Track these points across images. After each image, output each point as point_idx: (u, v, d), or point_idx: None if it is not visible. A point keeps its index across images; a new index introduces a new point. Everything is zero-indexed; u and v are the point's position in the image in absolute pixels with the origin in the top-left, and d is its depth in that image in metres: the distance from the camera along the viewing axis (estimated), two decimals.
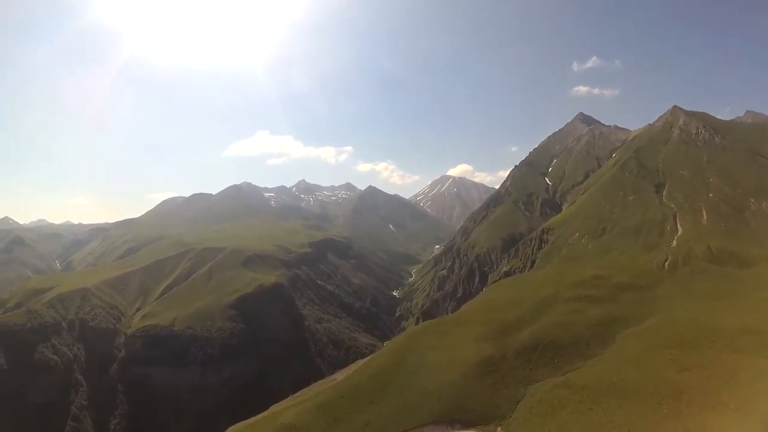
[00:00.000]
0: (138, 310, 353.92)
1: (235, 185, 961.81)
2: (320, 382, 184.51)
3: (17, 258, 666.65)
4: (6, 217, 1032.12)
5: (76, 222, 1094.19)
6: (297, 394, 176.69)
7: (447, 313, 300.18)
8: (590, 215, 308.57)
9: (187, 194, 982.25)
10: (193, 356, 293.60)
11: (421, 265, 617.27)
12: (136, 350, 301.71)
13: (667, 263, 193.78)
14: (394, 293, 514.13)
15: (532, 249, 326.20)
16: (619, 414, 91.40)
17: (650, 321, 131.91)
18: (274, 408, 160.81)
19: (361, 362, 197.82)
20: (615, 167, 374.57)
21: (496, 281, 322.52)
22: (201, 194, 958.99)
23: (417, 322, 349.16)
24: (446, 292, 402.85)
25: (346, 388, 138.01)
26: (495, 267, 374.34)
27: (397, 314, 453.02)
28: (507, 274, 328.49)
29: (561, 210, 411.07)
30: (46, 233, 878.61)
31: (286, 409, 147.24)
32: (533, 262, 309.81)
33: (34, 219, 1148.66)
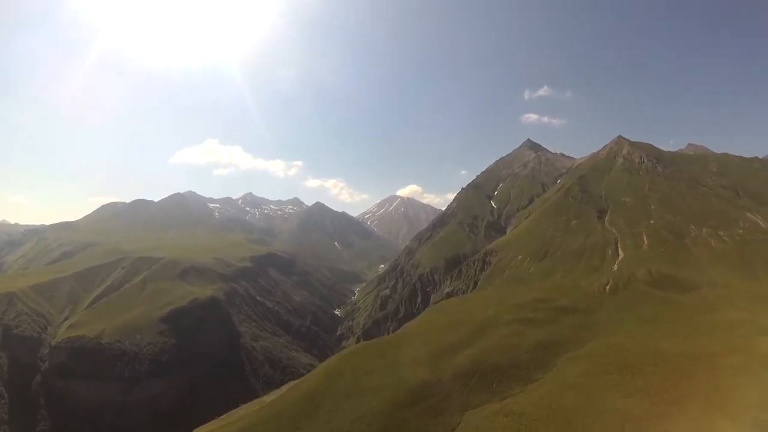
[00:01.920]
0: (66, 319, 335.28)
1: (178, 193, 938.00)
2: (249, 404, 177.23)
3: None
4: None
5: (12, 222, 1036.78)
6: (222, 416, 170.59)
7: (388, 333, 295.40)
8: (534, 238, 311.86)
9: (129, 200, 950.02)
10: (119, 372, 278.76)
11: (365, 284, 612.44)
12: (61, 362, 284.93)
13: (608, 287, 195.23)
14: (336, 312, 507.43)
15: (475, 270, 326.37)
16: None
17: (591, 344, 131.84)
18: (197, 430, 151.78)
19: (291, 384, 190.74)
20: (559, 193, 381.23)
21: (437, 302, 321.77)
22: (143, 200, 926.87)
23: (357, 342, 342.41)
24: (388, 312, 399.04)
25: (271, 412, 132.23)
26: (438, 287, 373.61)
27: (338, 333, 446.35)
28: (449, 295, 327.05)
29: (505, 233, 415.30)
30: None
31: None
32: (476, 284, 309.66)
33: None
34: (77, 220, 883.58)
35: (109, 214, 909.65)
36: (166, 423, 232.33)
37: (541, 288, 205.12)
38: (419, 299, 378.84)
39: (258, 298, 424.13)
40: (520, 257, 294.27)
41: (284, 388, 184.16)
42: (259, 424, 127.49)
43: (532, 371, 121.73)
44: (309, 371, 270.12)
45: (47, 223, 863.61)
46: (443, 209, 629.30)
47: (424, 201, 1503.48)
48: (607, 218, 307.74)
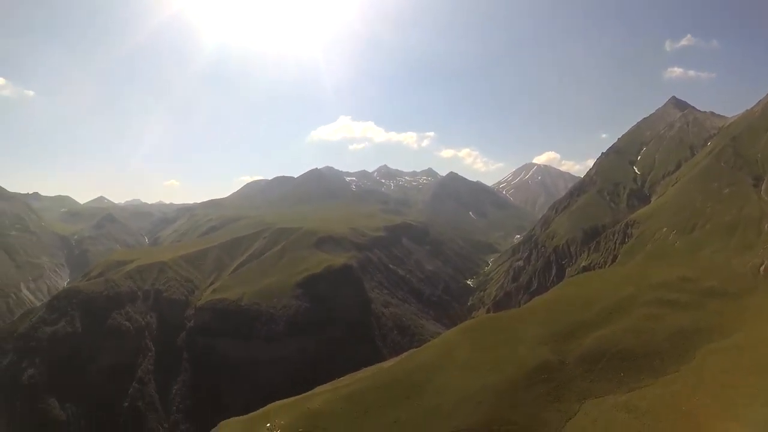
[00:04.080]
0: (211, 284, 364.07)
1: (316, 169, 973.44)
2: (369, 368, 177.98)
3: (108, 234, 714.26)
4: (101, 196, 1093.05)
5: (167, 202, 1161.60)
6: (341, 378, 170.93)
7: (519, 306, 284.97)
8: (680, 209, 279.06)
9: (271, 177, 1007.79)
10: (257, 331, 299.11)
11: (499, 255, 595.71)
12: (204, 322, 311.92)
13: (763, 267, 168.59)
14: (469, 282, 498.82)
15: (615, 243, 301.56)
16: None
17: (739, 336, 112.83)
18: (317, 390, 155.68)
19: (410, 352, 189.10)
20: (709, 156, 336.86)
21: (572, 276, 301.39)
22: (283, 177, 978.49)
23: (488, 313, 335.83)
24: (520, 284, 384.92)
25: (384, 380, 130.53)
26: (573, 260, 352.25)
27: (469, 303, 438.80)
28: (585, 269, 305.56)
29: (649, 202, 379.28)
30: (138, 212, 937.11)
31: (323, 393, 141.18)
32: (615, 258, 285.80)
33: (129, 199, 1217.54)
34: (224, 198, 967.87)
35: (252, 191, 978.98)
36: (298, 380, 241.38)
37: (686, 265, 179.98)
38: (553, 272, 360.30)
39: (390, 266, 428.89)
40: (664, 230, 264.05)
41: (403, 356, 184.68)
42: (371, 389, 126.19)
43: (667, 362, 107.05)
44: None
45: (198, 201, 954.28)
46: (582, 177, 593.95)
47: (562, 168, 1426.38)
48: (763, 186, 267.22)
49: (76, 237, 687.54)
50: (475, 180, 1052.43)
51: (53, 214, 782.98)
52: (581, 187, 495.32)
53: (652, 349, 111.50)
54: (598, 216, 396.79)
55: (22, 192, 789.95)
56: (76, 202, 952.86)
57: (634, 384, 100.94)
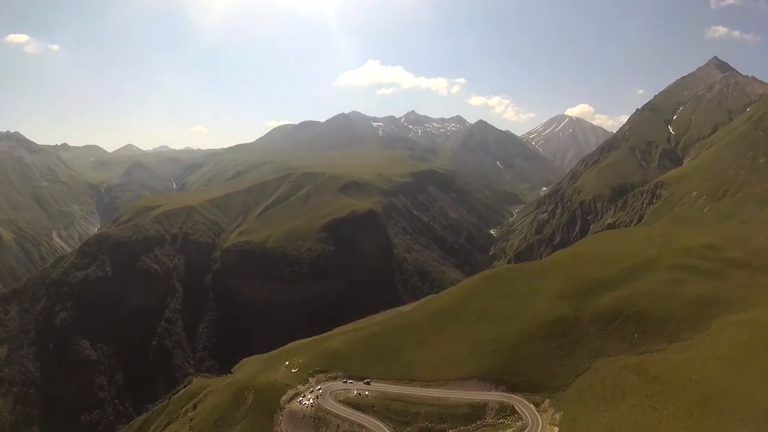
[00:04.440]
0: (237, 227, 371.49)
1: (343, 114, 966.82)
2: (387, 311, 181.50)
3: (137, 180, 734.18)
4: (129, 144, 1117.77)
5: (194, 148, 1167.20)
6: (361, 320, 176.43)
7: (540, 259, 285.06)
8: (712, 174, 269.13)
9: (297, 122, 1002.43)
10: (281, 273, 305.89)
11: (524, 206, 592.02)
12: (230, 263, 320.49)
13: None
14: (492, 232, 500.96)
15: (642, 203, 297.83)
16: (684, 426, 76.55)
17: (758, 311, 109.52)
18: (336, 330, 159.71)
19: (428, 298, 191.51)
20: (748, 123, 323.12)
21: (596, 232, 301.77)
22: (310, 122, 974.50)
23: (509, 264, 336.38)
24: (543, 237, 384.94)
25: (401, 323, 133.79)
26: (599, 217, 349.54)
27: (490, 253, 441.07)
28: (610, 226, 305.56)
29: (681, 164, 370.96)
30: (165, 158, 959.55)
31: (341, 334, 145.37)
32: (641, 218, 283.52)
33: (157, 146, 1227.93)
34: (251, 143, 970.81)
35: (279, 135, 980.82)
36: (319, 321, 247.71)
37: (713, 233, 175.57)
38: (577, 227, 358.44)
39: (415, 212, 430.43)
40: (694, 194, 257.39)
41: (422, 301, 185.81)
42: (387, 332, 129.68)
43: (682, 329, 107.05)
44: None
45: (224, 147, 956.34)
46: (614, 132, 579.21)
47: (595, 122, 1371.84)
48: None
49: (105, 185, 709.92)
50: (504, 129, 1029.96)
51: (82, 163, 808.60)
52: (613, 143, 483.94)
53: (668, 314, 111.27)
54: (628, 174, 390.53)
55: (51, 144, 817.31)
56: (104, 151, 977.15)
57: (646, 347, 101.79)
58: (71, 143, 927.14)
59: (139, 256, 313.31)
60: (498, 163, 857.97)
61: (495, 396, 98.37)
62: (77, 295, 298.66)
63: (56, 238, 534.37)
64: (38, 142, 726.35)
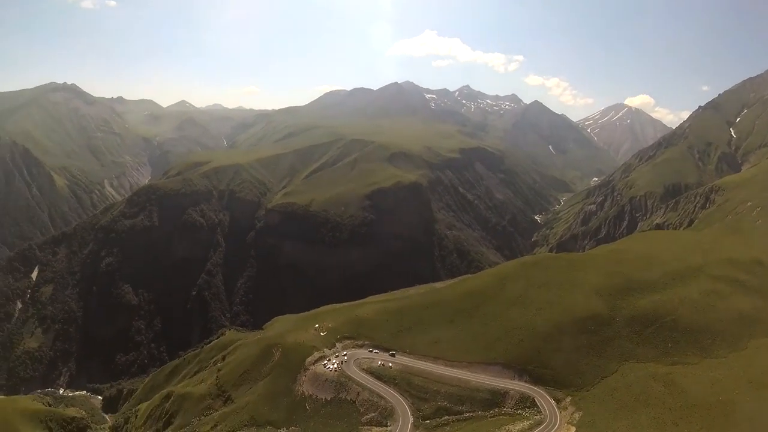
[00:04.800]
0: (283, 188, 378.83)
1: (396, 83, 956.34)
2: (421, 286, 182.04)
3: (188, 136, 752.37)
4: (183, 100, 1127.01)
5: (246, 108, 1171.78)
6: (394, 292, 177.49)
7: (583, 251, 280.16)
8: None
9: (350, 88, 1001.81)
10: (322, 236, 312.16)
11: (572, 195, 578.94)
12: (273, 223, 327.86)
13: None
14: (537, 217, 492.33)
15: (694, 206, 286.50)
16: None
17: None
18: (369, 299, 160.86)
19: (464, 277, 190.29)
20: None
21: (643, 231, 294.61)
22: (362, 89, 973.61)
23: (550, 252, 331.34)
24: (589, 229, 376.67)
25: (433, 300, 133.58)
26: (648, 215, 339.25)
27: (533, 239, 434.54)
28: (658, 226, 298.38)
29: (740, 169, 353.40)
30: (218, 116, 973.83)
31: (372, 303, 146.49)
32: (691, 222, 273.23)
33: (210, 103, 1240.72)
34: (302, 106, 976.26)
35: (330, 101, 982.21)
36: (353, 288, 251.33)
37: (764, 248, 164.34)
38: (625, 223, 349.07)
39: (460, 189, 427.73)
40: (749, 204, 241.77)
41: (457, 279, 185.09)
42: (419, 307, 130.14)
43: (717, 345, 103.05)
44: None
45: (276, 108, 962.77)
46: (674, 128, 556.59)
47: (654, 115, 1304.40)
48: None
49: (157, 139, 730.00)
50: (560, 113, 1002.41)
51: (137, 117, 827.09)
52: (671, 139, 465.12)
53: (705, 327, 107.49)
54: (683, 174, 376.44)
55: (107, 97, 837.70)
56: (158, 106, 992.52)
57: (678, 358, 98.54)
58: (126, 97, 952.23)
59: (186, 209, 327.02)
60: (550, 147, 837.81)
61: (517, 385, 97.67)
62: (124, 242, 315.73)
63: (108, 187, 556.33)
64: (94, 95, 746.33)
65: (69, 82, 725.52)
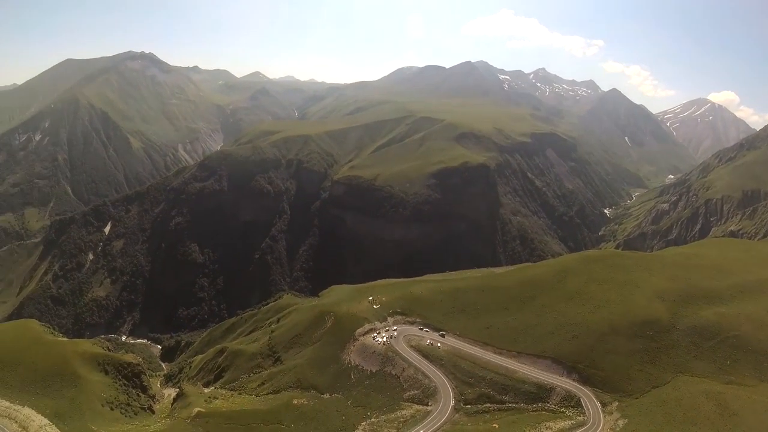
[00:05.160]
0: (350, 161, 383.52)
1: (469, 62, 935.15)
2: (478, 270, 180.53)
3: (261, 106, 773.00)
4: (257, 71, 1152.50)
5: (318, 80, 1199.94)
6: (451, 272, 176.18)
7: (651, 251, 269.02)
8: None
9: (421, 65, 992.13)
10: (385, 211, 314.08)
11: (645, 191, 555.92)
12: (338, 194, 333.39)
13: None
14: (606, 211, 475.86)
15: None
16: None
17: None
18: (425, 277, 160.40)
19: (523, 265, 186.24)
20: None
21: (717, 237, 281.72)
22: (435, 66, 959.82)
23: (617, 249, 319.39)
24: (659, 229, 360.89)
25: (490, 285, 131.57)
26: (722, 221, 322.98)
27: (599, 233, 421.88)
28: (733, 234, 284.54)
29: None
30: (290, 87, 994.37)
31: (428, 281, 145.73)
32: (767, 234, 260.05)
33: (283, 75, 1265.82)
34: (373, 81, 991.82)
35: (401, 77, 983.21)
36: (412, 264, 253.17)
37: None
38: (698, 226, 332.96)
39: (529, 175, 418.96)
40: None
41: (517, 266, 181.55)
42: (474, 290, 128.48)
43: None
44: None
45: (347, 82, 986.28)
46: (758, 130, 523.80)
47: (739, 114, 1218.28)
48: None
49: (231, 107, 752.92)
50: (638, 104, 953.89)
51: (211, 85, 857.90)
52: (754, 141, 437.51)
53: None
54: (764, 180, 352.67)
55: (183, 66, 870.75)
56: (233, 76, 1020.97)
57: (734, 378, 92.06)
58: (202, 66, 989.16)
59: (254, 176, 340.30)
60: (626, 138, 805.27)
61: (564, 383, 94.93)
62: (193, 204, 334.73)
63: (181, 151, 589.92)
64: (171, 64, 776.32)
65: (146, 51, 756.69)
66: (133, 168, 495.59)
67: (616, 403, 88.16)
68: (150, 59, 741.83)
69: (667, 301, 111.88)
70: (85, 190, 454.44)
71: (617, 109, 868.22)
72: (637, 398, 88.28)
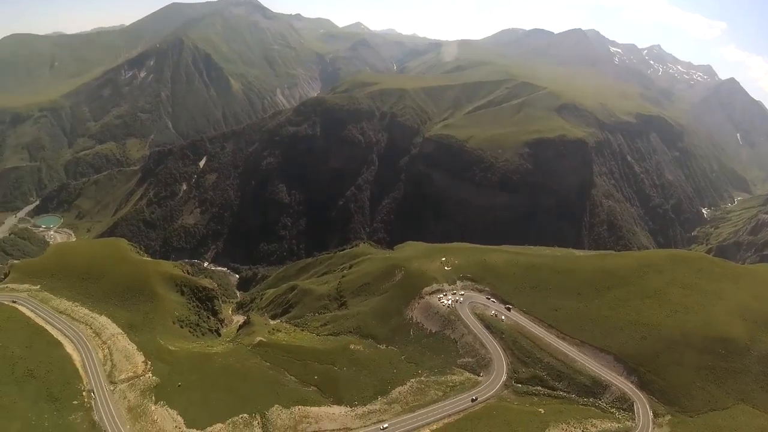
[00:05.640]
0: (444, 120, 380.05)
1: (580, 30, 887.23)
2: (560, 249, 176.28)
3: (360, 56, 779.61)
4: (358, 22, 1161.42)
5: (421, 35, 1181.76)
6: (529, 246, 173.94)
7: (742, 263, 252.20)
8: None
9: (528, 28, 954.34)
10: (473, 174, 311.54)
11: (749, 197, 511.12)
12: (428, 152, 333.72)
13: None
14: (704, 210, 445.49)
15: None
16: None
17: None
18: (502, 247, 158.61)
19: (598, 253, 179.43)
20: None
21: None
22: (542, 30, 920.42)
23: (708, 253, 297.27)
24: (756, 241, 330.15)
25: (567, 266, 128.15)
26: None
27: (692, 233, 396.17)
28: None
29: None
30: (390, 40, 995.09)
31: (504, 252, 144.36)
32: None
33: (385, 27, 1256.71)
34: (476, 40, 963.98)
35: (506, 38, 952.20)
36: (492, 232, 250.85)
37: None
38: None
39: (628, 158, 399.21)
40: None
41: (598, 252, 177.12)
42: (549, 269, 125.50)
43: None
44: None
45: (450, 39, 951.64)
46: None
47: None
48: None
49: (330, 56, 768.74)
50: (757, 99, 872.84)
51: (312, 34, 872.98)
52: None
53: None
54: None
55: (286, 13, 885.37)
56: (334, 25, 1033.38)
57: None
58: (305, 14, 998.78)
59: (347, 125, 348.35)
60: (738, 136, 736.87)
61: (622, 383, 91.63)
62: (286, 146, 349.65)
63: (279, 95, 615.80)
64: (274, 11, 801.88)
65: None
66: (232, 108, 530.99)
67: (669, 417, 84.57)
68: (253, 5, 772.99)
69: (749, 321, 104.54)
70: (185, 126, 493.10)
71: (732, 102, 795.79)
72: (691, 416, 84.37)
